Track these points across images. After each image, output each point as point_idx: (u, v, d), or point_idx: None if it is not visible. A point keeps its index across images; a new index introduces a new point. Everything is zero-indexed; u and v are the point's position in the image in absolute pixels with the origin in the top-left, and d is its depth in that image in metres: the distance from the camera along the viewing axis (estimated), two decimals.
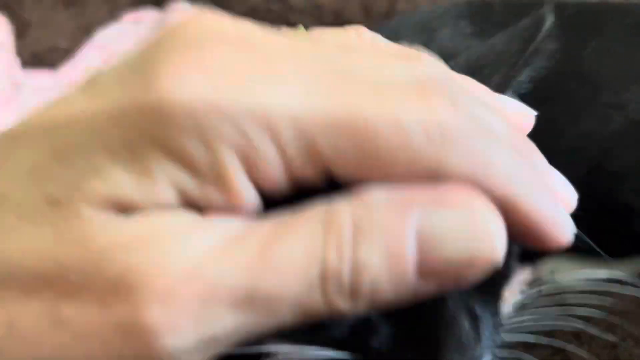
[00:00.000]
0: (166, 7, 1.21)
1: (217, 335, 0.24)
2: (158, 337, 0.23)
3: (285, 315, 0.25)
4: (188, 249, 0.24)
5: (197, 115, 0.23)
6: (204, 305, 0.23)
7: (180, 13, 1.18)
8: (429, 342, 0.38)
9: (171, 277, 0.23)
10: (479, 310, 0.42)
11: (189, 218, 0.24)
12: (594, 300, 0.64)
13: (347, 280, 0.24)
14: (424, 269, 0.24)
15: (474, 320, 0.41)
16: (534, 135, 0.69)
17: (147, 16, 1.26)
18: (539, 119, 0.71)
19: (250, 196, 0.25)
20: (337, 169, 0.25)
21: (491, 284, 0.44)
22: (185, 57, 0.24)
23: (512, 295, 0.65)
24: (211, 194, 0.24)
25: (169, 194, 0.24)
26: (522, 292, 0.67)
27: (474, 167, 0.25)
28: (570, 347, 0.60)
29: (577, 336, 0.61)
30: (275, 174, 0.24)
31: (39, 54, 1.23)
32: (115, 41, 1.20)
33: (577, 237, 0.68)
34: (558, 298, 0.65)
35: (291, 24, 1.14)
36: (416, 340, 0.39)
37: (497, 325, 0.45)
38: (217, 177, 0.24)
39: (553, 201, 0.29)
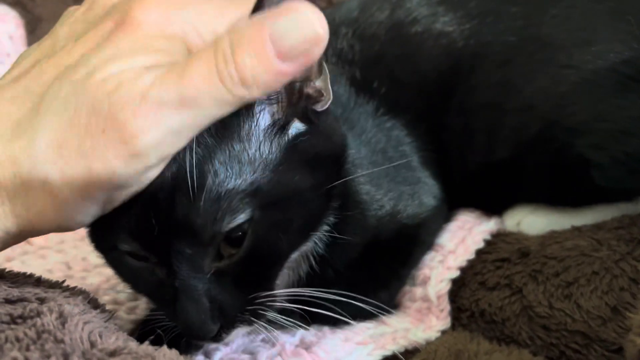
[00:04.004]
0: None
1: (172, 130, 0.43)
2: (135, 138, 0.42)
3: (210, 107, 0.43)
4: (140, 85, 0.42)
5: None
6: (157, 112, 0.42)
7: None
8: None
9: (134, 102, 0.42)
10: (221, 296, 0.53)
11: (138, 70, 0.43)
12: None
13: (235, 75, 0.42)
14: (281, 54, 0.42)
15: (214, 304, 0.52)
16: (492, 96, 0.75)
17: None
18: (497, 79, 0.76)
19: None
20: None
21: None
22: None
23: (475, 244, 0.71)
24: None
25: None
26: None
27: None
28: (527, 288, 0.66)
29: (533, 278, 0.66)
30: None
31: None
32: None
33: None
34: None
35: None
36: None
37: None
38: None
39: None
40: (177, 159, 0.49)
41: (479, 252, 0.71)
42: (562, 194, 0.76)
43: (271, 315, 0.56)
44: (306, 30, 0.42)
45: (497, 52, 0.75)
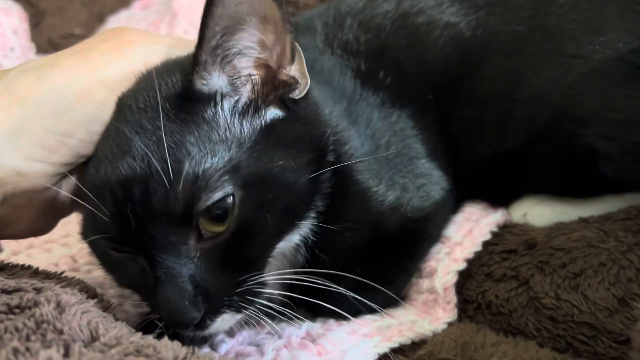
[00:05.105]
0: None
1: None
2: None
3: None
4: None
5: None
6: None
7: None
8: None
9: None
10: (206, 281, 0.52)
11: None
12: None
13: None
14: None
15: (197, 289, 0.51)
16: (501, 86, 0.74)
17: (154, 2, 1.33)
18: (506, 69, 0.76)
19: None
20: None
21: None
22: None
23: (481, 236, 0.71)
24: None
25: None
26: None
27: None
28: (534, 280, 0.65)
29: (540, 269, 0.66)
30: None
31: (54, 41, 1.31)
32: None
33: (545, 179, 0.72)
34: None
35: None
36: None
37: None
38: None
39: None
40: (147, 151, 0.50)
41: (485, 244, 0.71)
42: (570, 184, 0.75)
43: (260, 302, 0.56)
44: None
45: (506, 42, 0.74)
